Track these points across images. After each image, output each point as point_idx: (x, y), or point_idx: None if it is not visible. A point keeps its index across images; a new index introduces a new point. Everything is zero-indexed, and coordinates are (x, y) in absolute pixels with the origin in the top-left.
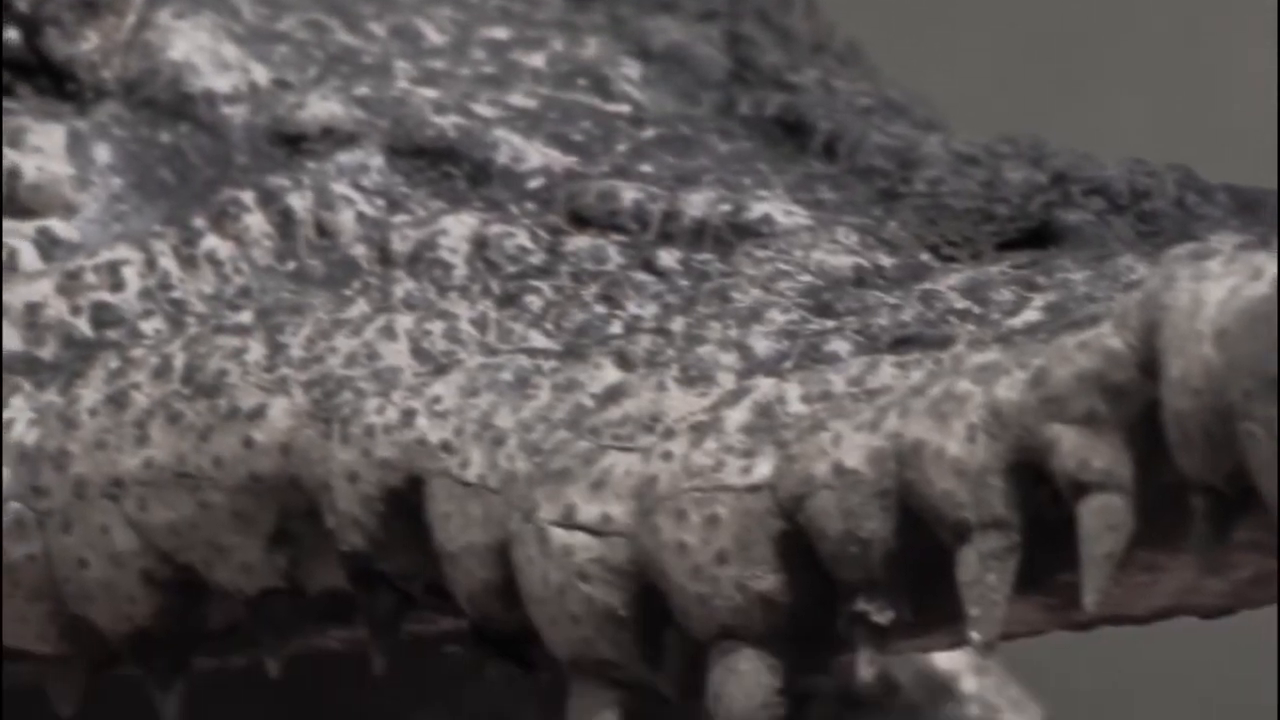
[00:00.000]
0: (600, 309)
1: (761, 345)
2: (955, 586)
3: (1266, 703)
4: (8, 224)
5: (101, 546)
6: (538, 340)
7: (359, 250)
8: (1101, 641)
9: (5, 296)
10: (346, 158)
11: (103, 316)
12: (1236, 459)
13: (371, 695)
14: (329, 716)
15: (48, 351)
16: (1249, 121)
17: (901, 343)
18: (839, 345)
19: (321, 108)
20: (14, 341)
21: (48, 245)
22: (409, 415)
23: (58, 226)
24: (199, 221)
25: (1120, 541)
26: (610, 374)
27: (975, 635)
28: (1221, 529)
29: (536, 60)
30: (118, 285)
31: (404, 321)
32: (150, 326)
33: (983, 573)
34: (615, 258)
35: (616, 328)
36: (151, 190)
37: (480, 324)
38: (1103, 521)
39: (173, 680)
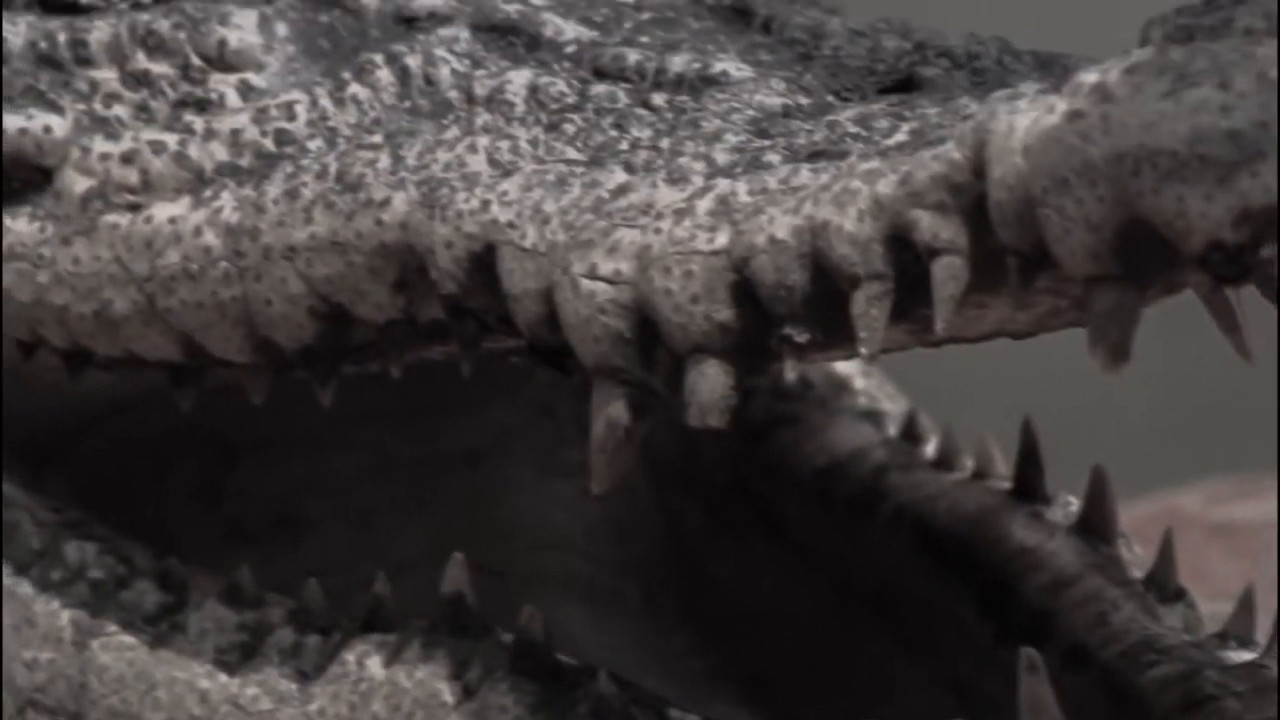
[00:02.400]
0: (614, 133)
1: (721, 157)
2: (850, 318)
3: None
4: (218, 77)
5: (281, 290)
6: (572, 153)
7: (452, 94)
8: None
9: (215, 125)
10: (444, 32)
11: (282, 138)
12: (1037, 232)
13: (461, 389)
14: (434, 403)
15: (245, 161)
16: None
17: (814, 155)
18: (772, 157)
19: None
20: (222, 154)
21: (245, 90)
22: (486, 203)
23: (252, 78)
24: (346, 74)
25: (960, 287)
26: (620, 176)
27: (863, 350)
28: (1026, 280)
29: None
30: (292, 117)
31: (482, 141)
32: (314, 145)
33: (868, 308)
34: (623, 99)
35: (624, 145)
36: (314, 54)
37: (533, 143)
38: (948, 274)
39: (328, 380)
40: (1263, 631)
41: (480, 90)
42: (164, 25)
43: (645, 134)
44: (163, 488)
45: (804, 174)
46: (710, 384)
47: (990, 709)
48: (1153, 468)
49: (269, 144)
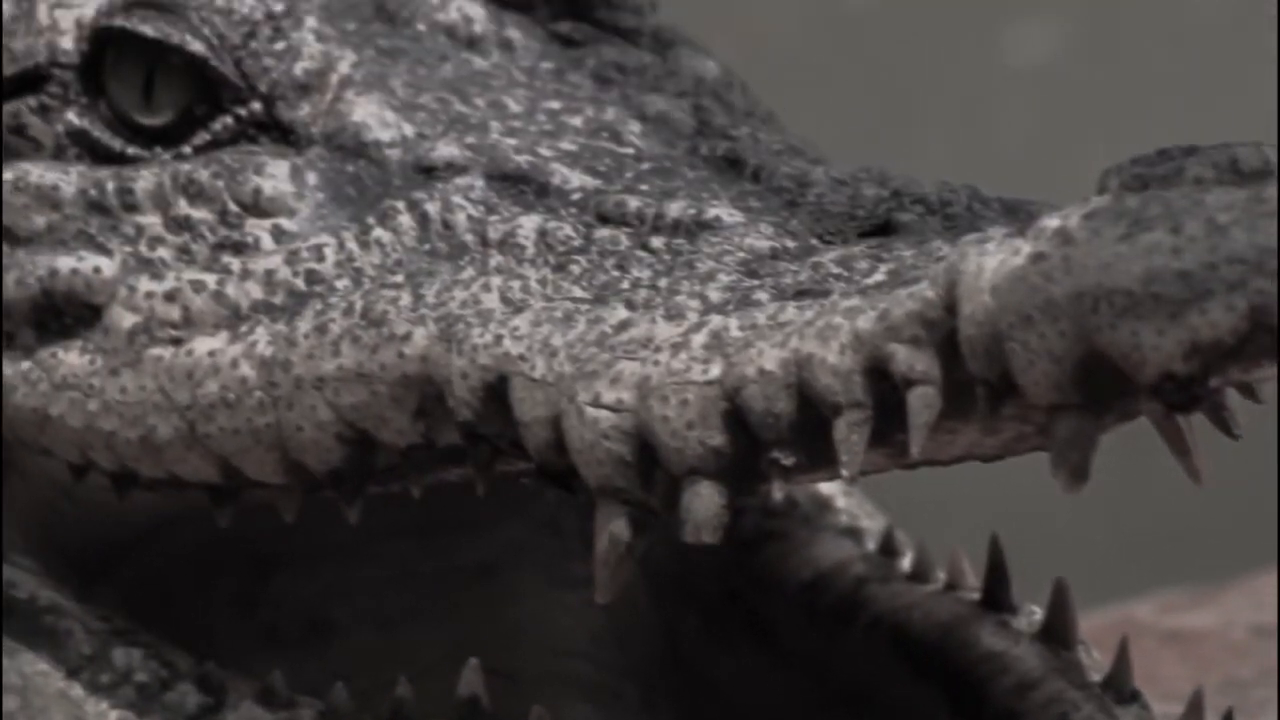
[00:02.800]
0: (616, 273)
1: (714, 295)
2: (832, 443)
3: None
4: (253, 222)
5: (311, 418)
6: (577, 292)
7: (468, 237)
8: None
9: (251, 266)
10: (461, 180)
11: (312, 277)
12: (1004, 364)
13: (476, 507)
14: (452, 520)
15: (278, 299)
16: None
17: (800, 293)
18: (761, 295)
19: (445, 150)
20: (257, 293)
21: (278, 234)
22: (499, 338)
23: (284, 222)
24: (371, 219)
25: (933, 415)
26: (622, 313)
27: (845, 473)
28: (994, 408)
29: (577, 121)
30: (321, 258)
31: (495, 281)
32: (341, 284)
33: (849, 434)
34: (625, 242)
35: (626, 284)
36: (341, 201)
37: (542, 282)
38: (922, 402)
39: (355, 499)
40: None
41: (493, 234)
42: (204, 174)
43: (645, 274)
44: (203, 597)
45: (790, 310)
46: (704, 503)
47: None
48: (1110, 580)
49: (300, 283)
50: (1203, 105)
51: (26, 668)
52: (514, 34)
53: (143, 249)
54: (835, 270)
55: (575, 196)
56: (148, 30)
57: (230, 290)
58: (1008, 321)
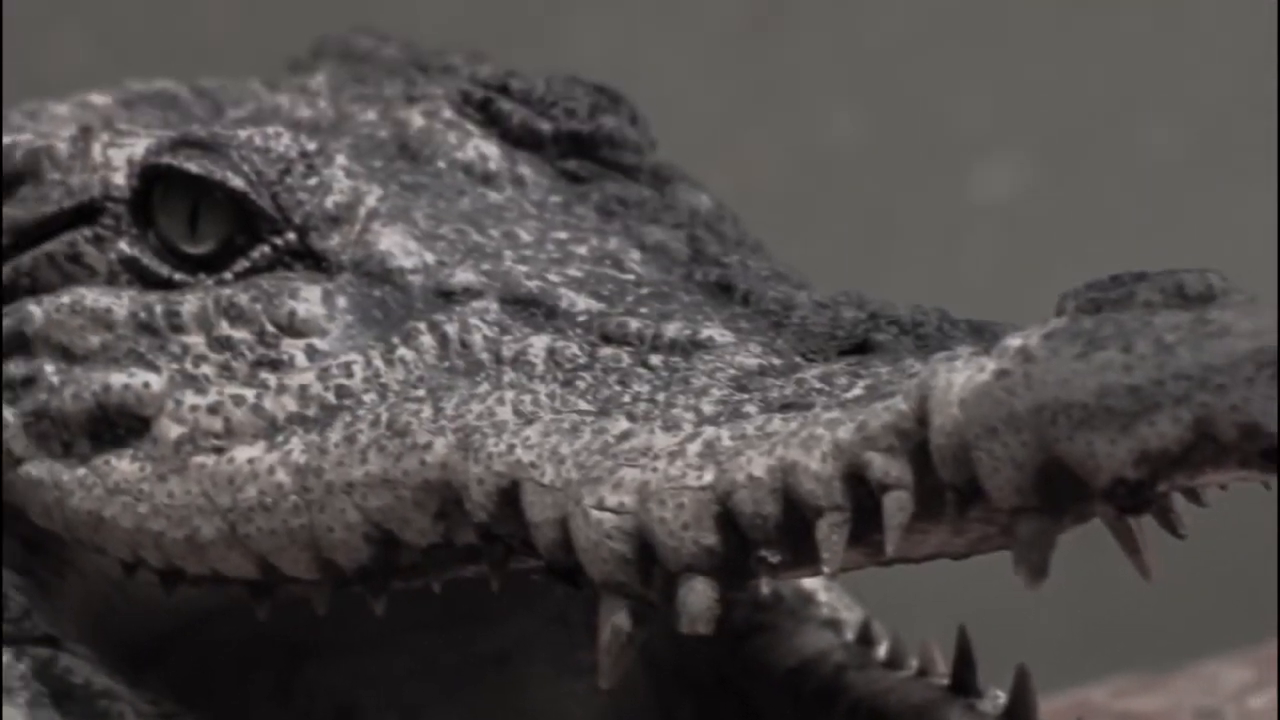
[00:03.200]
0: (618, 388)
1: (707, 408)
2: (815, 542)
3: None
4: (288, 341)
5: (341, 520)
6: (583, 405)
7: (484, 355)
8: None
9: (286, 381)
10: (477, 304)
11: (342, 392)
12: (971, 471)
13: (491, 601)
14: (469, 612)
15: (311, 411)
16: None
17: (785, 406)
18: (750, 408)
19: (463, 276)
20: (291, 406)
21: (311, 352)
22: (511, 447)
23: (317, 342)
24: (395, 339)
25: (906, 517)
26: (623, 424)
27: (826, 570)
28: (962, 510)
29: (582, 250)
30: (350, 375)
31: (509, 395)
32: (368, 398)
33: (830, 534)
34: (626, 359)
35: (627, 398)
36: (369, 322)
37: (551, 396)
38: (896, 505)
39: (380, 594)
40: None
41: (507, 352)
42: (243, 298)
43: (644, 389)
44: (242, 684)
45: (776, 422)
46: (699, 598)
47: None
48: (1067, 666)
49: (331, 397)
50: (1156, 234)
51: None
52: (525, 170)
53: (188, 366)
54: (817, 385)
55: (581, 318)
56: (192, 167)
57: (268, 404)
58: (974, 432)
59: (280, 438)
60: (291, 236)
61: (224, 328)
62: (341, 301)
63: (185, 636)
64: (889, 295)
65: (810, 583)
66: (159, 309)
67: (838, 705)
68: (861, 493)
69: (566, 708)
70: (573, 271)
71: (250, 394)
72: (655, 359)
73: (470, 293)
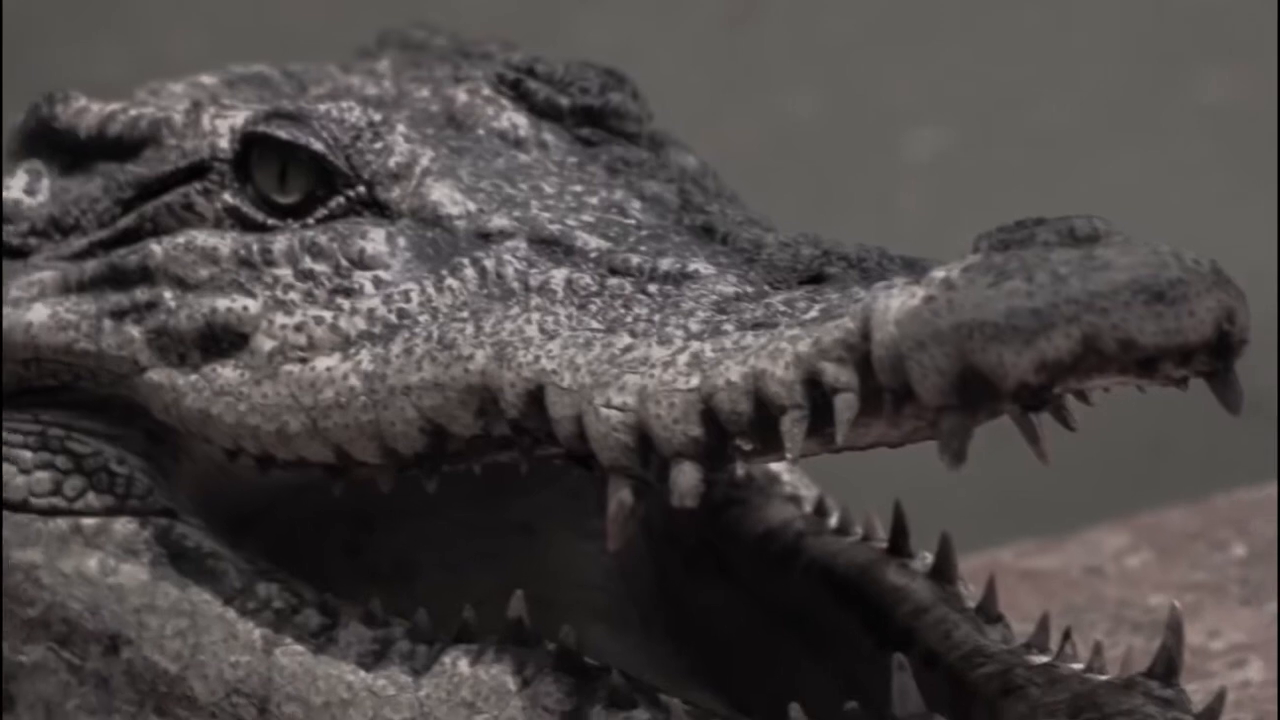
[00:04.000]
0: (622, 311)
1: (694, 327)
2: (780, 434)
3: None
4: (359, 273)
5: (401, 416)
6: (594, 324)
7: (515, 285)
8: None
9: (357, 305)
10: (509, 243)
11: (402, 314)
12: (905, 377)
13: (521, 480)
14: (503, 489)
15: (377, 329)
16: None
17: (756, 325)
18: (728, 327)
19: (498, 221)
20: (361, 325)
21: (378, 282)
22: (537, 358)
23: (381, 274)
24: (444, 272)
25: (852, 414)
26: (626, 339)
27: (789, 456)
28: (897, 408)
29: (593, 200)
30: (408, 300)
31: (535, 316)
32: (422, 319)
33: (791, 428)
34: (629, 288)
35: (629, 319)
36: (423, 258)
37: (569, 317)
38: (845, 405)
39: (433, 474)
40: (1054, 643)
41: (533, 282)
42: (323, 239)
43: (643, 311)
44: (321, 546)
45: (749, 338)
46: (687, 478)
47: (871, 696)
48: (981, 533)
49: (393, 318)
50: (1051, 189)
51: (194, 597)
52: (548, 137)
53: (278, 293)
54: (782, 309)
55: (593, 255)
56: (282, 134)
57: (342, 323)
58: (907, 346)
59: (352, 350)
60: (361, 189)
61: (307, 262)
62: (401, 241)
63: (275, 509)
64: (839, 237)
65: (776, 466)
66: (255, 247)
67: (796, 563)
68: (817, 394)
69: (580, 565)
70: (586, 217)
71: (328, 315)
72: (652, 287)
73: (504, 234)
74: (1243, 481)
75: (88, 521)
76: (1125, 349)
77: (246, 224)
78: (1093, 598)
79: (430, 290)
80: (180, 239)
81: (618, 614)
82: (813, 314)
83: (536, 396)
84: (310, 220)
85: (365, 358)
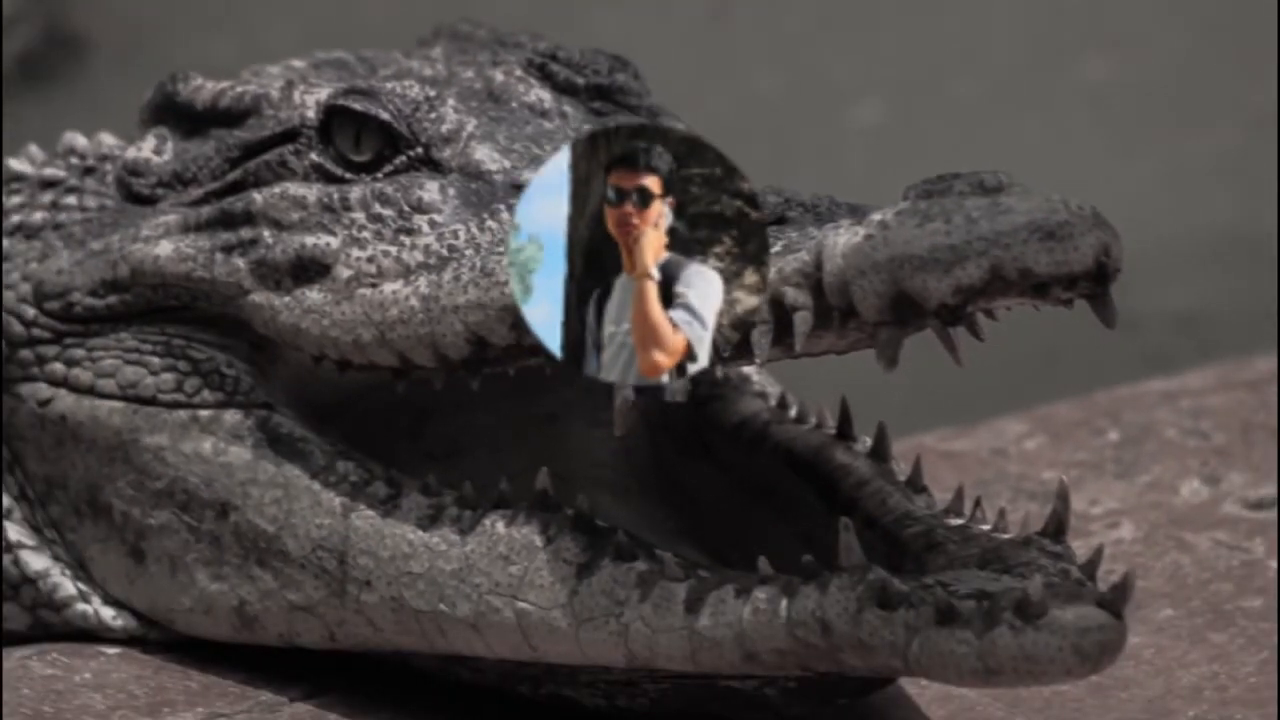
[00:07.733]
0: None
1: None
2: (750, 344)
3: None
4: (418, 217)
5: (451, 329)
6: None
7: None
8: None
9: (416, 242)
10: None
11: (452, 249)
12: (849, 299)
13: (547, 380)
14: (532, 386)
15: (432, 261)
16: None
17: None
18: None
19: (528, 175)
20: (419, 258)
21: (433, 224)
22: None
23: (436, 217)
24: (485, 215)
25: (808, 328)
26: None
27: (757, 361)
28: (843, 324)
29: None
30: (456, 237)
31: None
32: (468, 252)
33: (760, 338)
34: None
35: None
36: (469, 204)
37: None
38: (801, 320)
39: (476, 376)
40: (967, 510)
41: None
42: (389, 189)
43: None
44: (388, 433)
45: None
46: (683, 381)
47: (824, 551)
48: (909, 421)
49: (445, 252)
50: (969, 149)
51: (287, 472)
52: (568, 109)
53: (354, 232)
54: None
55: None
56: (357, 106)
57: (404, 256)
58: (851, 274)
59: (412, 277)
60: (419, 150)
61: (376, 208)
62: (451, 191)
63: (352, 403)
64: (796, 188)
65: (747, 369)
66: (335, 196)
67: (764, 446)
68: (780, 312)
69: (593, 447)
70: None
71: (393, 249)
72: None
73: None
74: (1117, 381)
75: (203, 413)
76: (1024, 276)
77: (328, 177)
78: (998, 473)
79: (474, 230)
80: (276, 189)
81: (622, 486)
82: (776, 249)
83: None
84: (379, 175)
85: (423, 283)
